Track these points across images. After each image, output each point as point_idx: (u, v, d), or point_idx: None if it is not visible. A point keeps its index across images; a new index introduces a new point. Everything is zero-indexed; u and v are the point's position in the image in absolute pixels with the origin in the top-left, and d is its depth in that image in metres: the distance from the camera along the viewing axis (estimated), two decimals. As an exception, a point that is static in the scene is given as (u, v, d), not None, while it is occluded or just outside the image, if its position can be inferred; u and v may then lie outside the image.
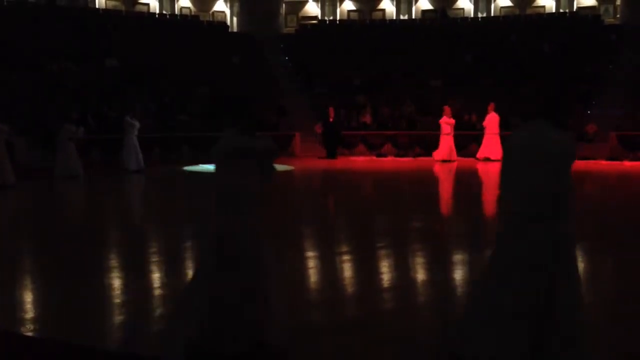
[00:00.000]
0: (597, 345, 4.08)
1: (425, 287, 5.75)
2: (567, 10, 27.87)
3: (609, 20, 26.95)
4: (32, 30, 21.38)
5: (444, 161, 18.25)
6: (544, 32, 24.82)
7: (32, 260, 6.94)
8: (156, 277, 6.07)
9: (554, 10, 28.22)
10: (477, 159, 18.65)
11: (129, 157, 15.57)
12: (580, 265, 6.39)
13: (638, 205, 11.18)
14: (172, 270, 6.27)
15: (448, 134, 18.44)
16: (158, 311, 4.99)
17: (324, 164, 18.40)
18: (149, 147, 19.04)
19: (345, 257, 6.80)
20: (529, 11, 28.59)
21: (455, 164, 17.83)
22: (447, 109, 18.50)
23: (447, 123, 18.42)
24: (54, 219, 9.82)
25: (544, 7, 28.67)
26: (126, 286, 5.66)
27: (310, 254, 7.06)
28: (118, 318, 4.80)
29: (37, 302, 5.26)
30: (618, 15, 27.24)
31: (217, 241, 3.91)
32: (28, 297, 5.42)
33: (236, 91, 19.63)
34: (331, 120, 19.97)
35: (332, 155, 19.75)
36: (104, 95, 19.99)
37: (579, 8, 28.03)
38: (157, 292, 5.56)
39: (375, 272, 6.15)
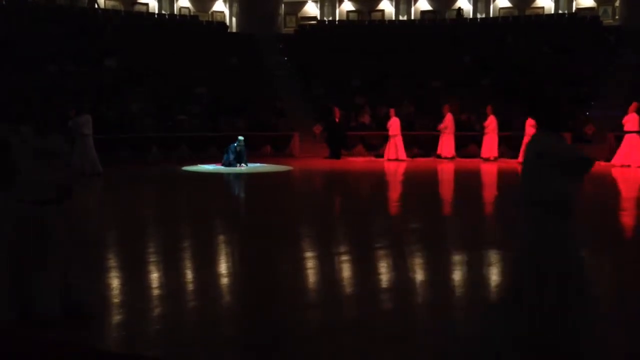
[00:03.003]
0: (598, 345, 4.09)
1: (424, 288, 5.76)
2: (565, 12, 27.89)
3: (607, 21, 26.97)
4: (30, 31, 21.37)
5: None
6: (542, 33, 24.84)
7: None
8: (155, 277, 6.08)
9: (552, 12, 28.24)
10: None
11: (84, 160, 14.39)
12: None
13: (635, 206, 11.20)
14: (172, 270, 6.27)
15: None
16: (157, 311, 5.00)
17: (325, 164, 18.40)
18: (148, 146, 19.10)
19: (344, 258, 6.81)
20: (527, 12, 28.61)
21: None
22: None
23: (531, 126, 17.34)
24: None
25: (542, 8, 28.70)
26: (125, 286, 5.67)
27: (309, 254, 7.06)
28: (117, 318, 4.81)
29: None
30: (617, 17, 27.27)
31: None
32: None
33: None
34: (337, 120, 20.07)
35: (336, 155, 19.84)
36: (103, 96, 19.99)
37: (577, 9, 28.05)
38: (156, 292, 5.57)
39: (374, 273, 6.16)
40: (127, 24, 25.00)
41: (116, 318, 4.79)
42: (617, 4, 27.44)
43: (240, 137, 17.11)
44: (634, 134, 16.92)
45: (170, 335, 4.48)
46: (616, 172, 15.87)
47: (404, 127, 20.28)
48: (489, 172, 16.74)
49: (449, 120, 19.21)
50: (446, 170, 17.07)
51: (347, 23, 29.31)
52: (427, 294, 5.58)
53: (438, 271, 6.29)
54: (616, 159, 17.17)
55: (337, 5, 30.50)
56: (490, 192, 13.56)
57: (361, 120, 21.49)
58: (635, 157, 16.82)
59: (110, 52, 22.32)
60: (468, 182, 14.92)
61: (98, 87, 20.23)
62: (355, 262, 6.62)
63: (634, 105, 17.12)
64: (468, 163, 18.39)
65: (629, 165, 16.75)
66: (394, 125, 19.34)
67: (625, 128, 17.10)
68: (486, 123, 19.05)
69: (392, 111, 19.56)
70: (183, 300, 5.27)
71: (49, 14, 23.67)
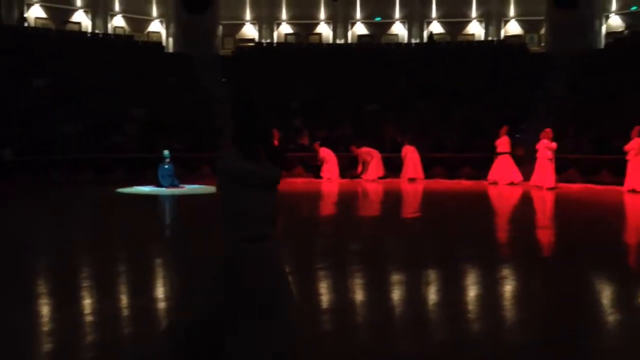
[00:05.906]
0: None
1: (366, 308, 5.76)
2: (494, 39, 29.04)
3: (534, 48, 28.24)
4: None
5: (549, 188, 16.49)
6: (474, 58, 25.73)
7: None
8: (87, 303, 5.83)
9: (482, 38, 29.37)
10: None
11: None
12: (512, 284, 6.61)
13: (562, 224, 11.64)
14: (104, 296, 6.04)
15: (550, 160, 16.82)
16: (89, 339, 4.78)
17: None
18: (82, 168, 18.50)
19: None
20: (459, 38, 29.61)
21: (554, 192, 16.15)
22: (548, 131, 17.07)
23: (547, 148, 16.84)
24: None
25: (473, 35, 29.80)
26: (55, 313, 5.41)
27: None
28: (47, 347, 4.57)
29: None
30: (542, 44, 28.59)
31: None
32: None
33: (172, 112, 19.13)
34: (276, 143, 20.00)
35: None
36: (33, 116, 19.27)
37: (506, 36, 29.26)
38: (88, 319, 5.33)
39: (315, 293, 6.12)
40: (59, 43, 24.30)
41: (46, 346, 4.56)
42: (542, 32, 28.79)
43: (166, 152, 16.94)
44: (506, 155, 18.45)
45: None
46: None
47: (343, 150, 20.50)
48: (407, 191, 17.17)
49: (324, 153, 19.94)
50: (372, 190, 17.33)
51: (285, 45, 29.49)
52: (367, 313, 5.58)
53: (376, 289, 6.31)
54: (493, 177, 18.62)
55: (275, 27, 30.68)
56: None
57: (300, 141, 21.56)
58: (507, 175, 18.40)
59: (41, 71, 21.60)
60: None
61: (27, 108, 19.50)
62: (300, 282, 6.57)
63: (504, 128, 18.57)
64: (394, 183, 18.82)
65: (495, 182, 18.32)
66: (325, 154, 19.96)
67: (498, 150, 18.49)
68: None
69: (316, 145, 20.19)
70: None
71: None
